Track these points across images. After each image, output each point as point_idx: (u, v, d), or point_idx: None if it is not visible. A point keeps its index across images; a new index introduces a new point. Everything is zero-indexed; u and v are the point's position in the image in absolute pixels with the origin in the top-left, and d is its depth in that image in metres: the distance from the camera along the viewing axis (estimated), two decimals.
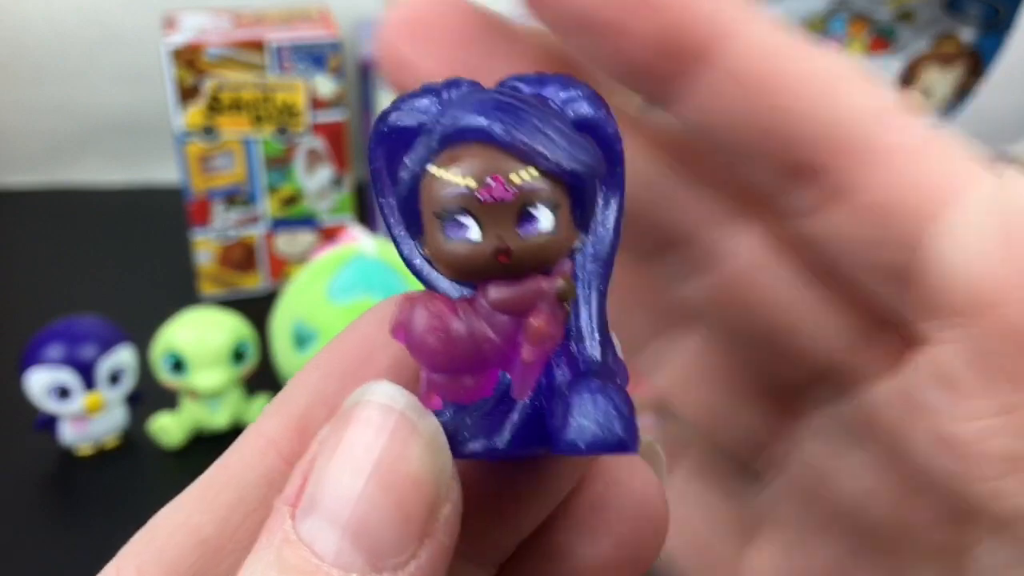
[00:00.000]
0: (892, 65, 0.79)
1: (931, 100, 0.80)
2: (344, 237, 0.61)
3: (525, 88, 0.17)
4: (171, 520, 0.17)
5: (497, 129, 0.16)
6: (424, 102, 0.17)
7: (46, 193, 0.86)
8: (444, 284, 0.17)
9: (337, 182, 0.73)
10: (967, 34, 0.78)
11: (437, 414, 0.16)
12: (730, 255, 0.20)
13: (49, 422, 0.56)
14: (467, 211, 0.16)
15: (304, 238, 0.73)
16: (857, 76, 0.17)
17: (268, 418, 0.18)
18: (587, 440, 0.15)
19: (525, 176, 0.16)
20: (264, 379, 0.60)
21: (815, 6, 0.77)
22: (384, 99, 0.72)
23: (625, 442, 0.15)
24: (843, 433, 0.19)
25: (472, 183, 0.16)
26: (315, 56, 0.68)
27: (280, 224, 0.73)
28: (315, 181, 0.72)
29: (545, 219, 0.16)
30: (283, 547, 0.15)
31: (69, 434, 0.56)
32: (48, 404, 0.55)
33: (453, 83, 0.17)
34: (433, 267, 0.17)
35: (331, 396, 0.17)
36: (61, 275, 0.76)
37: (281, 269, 0.73)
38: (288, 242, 0.73)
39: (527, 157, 0.16)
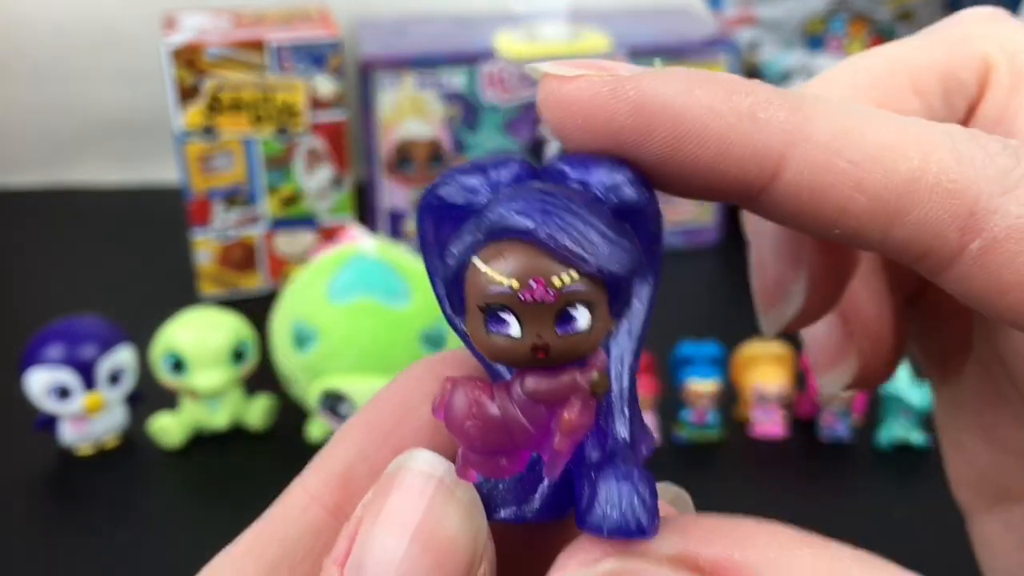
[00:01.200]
0: None
1: None
2: (344, 237, 0.61)
3: (570, 172, 0.17)
4: (223, 574, 0.19)
5: (542, 234, 0.16)
6: (473, 181, 0.17)
7: (46, 193, 0.86)
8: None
9: (337, 182, 0.73)
10: None
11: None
12: None
13: (49, 422, 0.56)
14: (509, 308, 0.16)
15: (304, 238, 0.73)
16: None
17: (311, 473, 0.20)
18: (610, 527, 0.16)
19: (566, 279, 0.16)
20: (264, 379, 0.60)
21: (815, 6, 0.77)
22: (383, 99, 0.72)
23: (645, 530, 0.16)
24: None
25: (515, 284, 0.16)
26: (315, 56, 0.68)
27: (280, 224, 0.73)
28: (315, 181, 0.72)
29: (583, 318, 0.16)
30: None
31: (69, 434, 0.56)
32: (48, 404, 0.55)
33: (502, 163, 0.18)
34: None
35: (372, 453, 0.19)
36: (61, 275, 0.76)
37: (281, 269, 0.73)
38: (288, 242, 0.73)
39: (569, 262, 0.16)
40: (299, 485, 0.20)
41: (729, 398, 0.60)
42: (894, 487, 0.56)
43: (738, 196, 0.17)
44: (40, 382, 0.54)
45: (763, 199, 0.17)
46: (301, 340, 0.55)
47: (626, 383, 0.17)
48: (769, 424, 0.58)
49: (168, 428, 0.57)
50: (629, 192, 0.17)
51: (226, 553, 0.20)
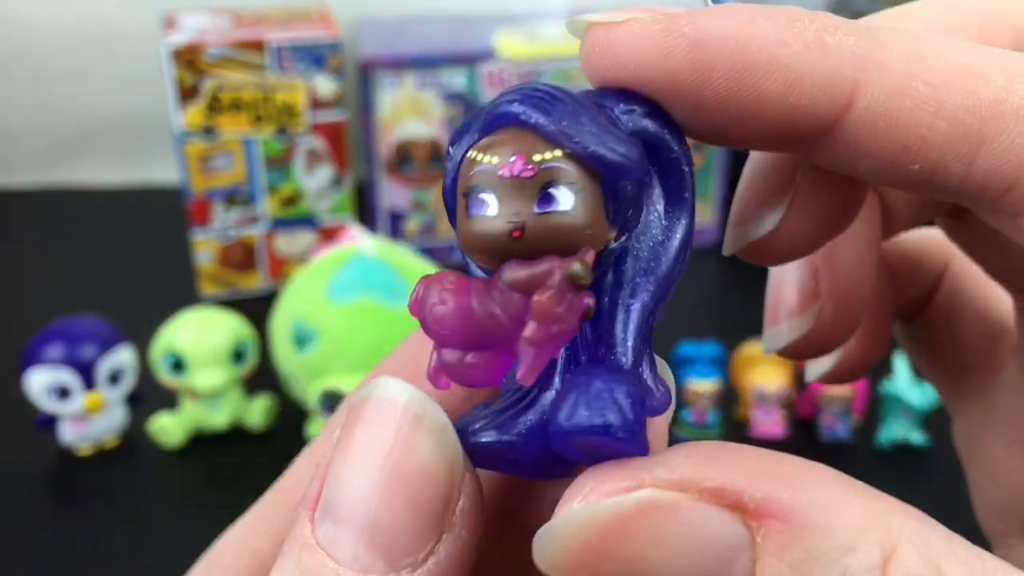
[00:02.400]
0: None
1: None
2: (344, 237, 0.61)
3: (589, 97, 0.17)
4: (233, 545, 0.18)
5: (524, 114, 0.16)
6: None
7: (46, 193, 0.86)
8: (480, 274, 0.17)
9: (337, 182, 0.73)
10: None
11: (469, 415, 0.16)
12: None
13: (49, 422, 0.56)
14: (488, 188, 0.16)
15: (304, 238, 0.73)
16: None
17: (320, 440, 0.18)
18: (572, 425, 0.15)
19: (548, 156, 0.15)
20: (264, 379, 0.60)
21: (814, 7, 0.77)
22: (383, 99, 0.72)
23: (611, 428, 0.15)
24: None
25: (496, 159, 0.15)
26: (315, 56, 0.68)
27: (280, 224, 0.73)
28: (315, 181, 0.72)
29: (565, 200, 0.15)
30: (302, 553, 0.15)
31: (69, 434, 0.56)
32: (48, 404, 0.55)
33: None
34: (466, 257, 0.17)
35: None
36: (61, 275, 0.76)
37: (281, 269, 0.73)
38: (288, 242, 0.73)
39: (554, 138, 0.15)
40: (308, 452, 0.19)
41: (729, 398, 0.60)
42: (894, 487, 0.55)
43: (808, 133, 0.16)
44: (40, 382, 0.54)
45: (836, 136, 0.16)
46: (301, 340, 0.55)
47: (634, 319, 0.16)
48: (769, 424, 0.58)
49: (168, 428, 0.57)
50: (646, 122, 0.16)
51: (238, 524, 0.18)
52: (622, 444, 0.15)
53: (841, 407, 0.57)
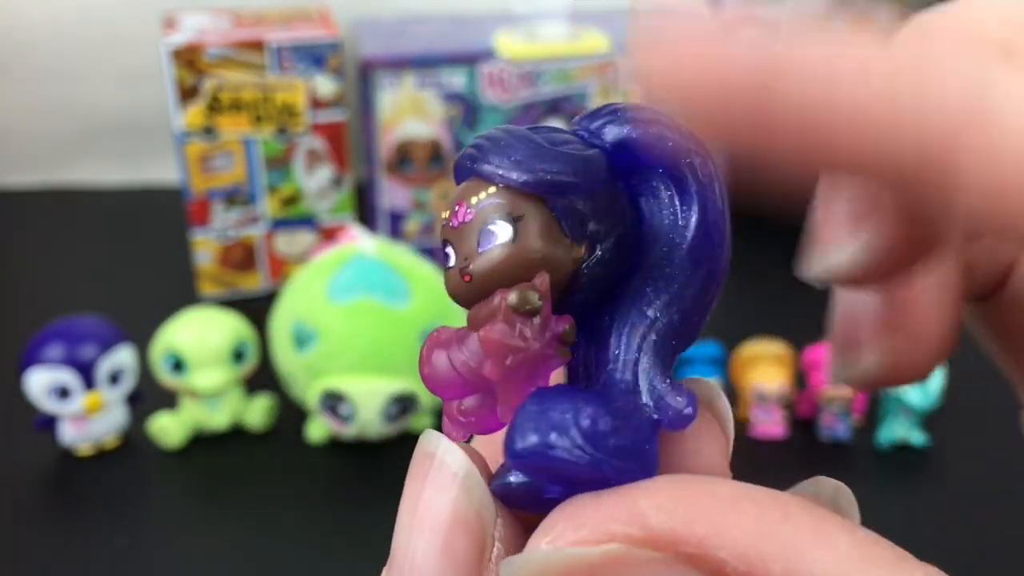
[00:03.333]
0: None
1: None
2: (344, 237, 0.61)
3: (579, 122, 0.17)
4: None
5: (463, 161, 0.16)
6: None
7: (46, 193, 0.86)
8: None
9: (337, 182, 0.73)
10: None
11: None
12: None
13: (48, 422, 0.56)
14: (448, 241, 0.16)
15: (304, 238, 0.73)
16: None
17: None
18: (517, 448, 0.15)
19: (482, 196, 0.16)
20: (264, 379, 0.60)
21: (816, 7, 0.77)
22: (383, 99, 0.72)
23: (553, 449, 0.14)
24: None
25: (446, 213, 0.16)
26: (315, 56, 0.68)
27: (280, 224, 0.73)
28: (315, 181, 0.72)
29: (502, 232, 0.16)
30: None
31: (69, 434, 0.56)
32: (48, 404, 0.55)
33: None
34: None
35: None
36: (61, 275, 0.76)
37: (281, 269, 0.73)
38: (288, 242, 0.73)
39: (487, 177, 0.16)
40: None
41: (729, 398, 0.59)
42: (894, 487, 0.56)
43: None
44: (40, 382, 0.54)
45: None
46: (301, 340, 0.55)
47: (639, 331, 0.16)
48: (769, 424, 0.58)
49: (168, 428, 0.57)
50: (612, 130, 0.16)
51: None
52: (575, 467, 0.14)
53: (841, 407, 0.57)
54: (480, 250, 0.16)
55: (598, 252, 0.16)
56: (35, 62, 0.84)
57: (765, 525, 0.13)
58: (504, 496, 0.16)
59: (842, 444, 0.58)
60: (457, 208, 0.16)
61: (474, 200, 0.16)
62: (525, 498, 0.16)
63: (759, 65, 0.13)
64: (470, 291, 0.16)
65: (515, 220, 0.16)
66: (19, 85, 0.84)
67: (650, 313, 0.16)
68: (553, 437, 0.14)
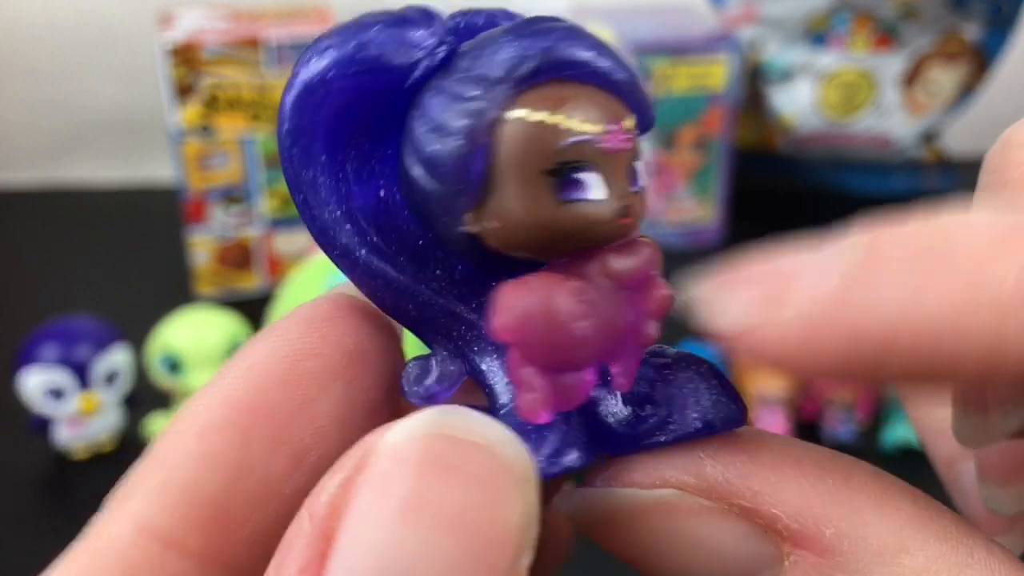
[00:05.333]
0: (896, 63, 0.79)
1: (935, 98, 0.79)
2: None
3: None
4: None
5: (612, 67, 0.13)
6: (420, 34, 0.13)
7: (41, 192, 0.86)
8: (391, 274, 0.14)
9: None
10: (971, 32, 0.77)
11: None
12: None
13: (41, 425, 0.55)
14: (590, 164, 0.12)
15: (302, 238, 0.73)
16: None
17: (141, 496, 0.14)
18: (711, 418, 0.13)
19: (631, 123, 0.13)
20: None
21: (818, 4, 0.77)
22: None
23: (739, 418, 0.14)
24: None
25: (597, 127, 0.12)
26: None
27: (278, 223, 0.72)
28: None
29: (642, 174, 0.13)
30: None
31: (64, 436, 0.55)
32: (43, 405, 0.54)
33: (471, 13, 0.14)
34: (464, 246, 0.13)
35: (249, 472, 0.13)
36: (56, 274, 0.75)
37: (278, 269, 0.73)
38: (286, 241, 0.73)
39: (632, 102, 0.13)
40: (121, 509, 0.13)
41: None
42: None
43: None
44: (35, 382, 0.53)
45: None
46: None
47: None
48: (772, 426, 0.57)
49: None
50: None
51: None
52: (744, 423, 0.14)
53: (845, 409, 0.57)
54: (634, 188, 0.13)
55: None
56: (30, 60, 0.83)
57: (824, 486, 0.13)
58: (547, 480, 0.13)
59: (845, 446, 0.57)
60: (612, 128, 0.13)
61: (627, 124, 0.13)
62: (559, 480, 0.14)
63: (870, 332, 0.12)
64: (618, 234, 0.13)
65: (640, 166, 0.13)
66: (14, 82, 0.84)
67: None
68: (731, 407, 0.14)
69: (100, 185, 0.87)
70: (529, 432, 0.13)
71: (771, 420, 0.57)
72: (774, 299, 0.12)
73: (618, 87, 0.13)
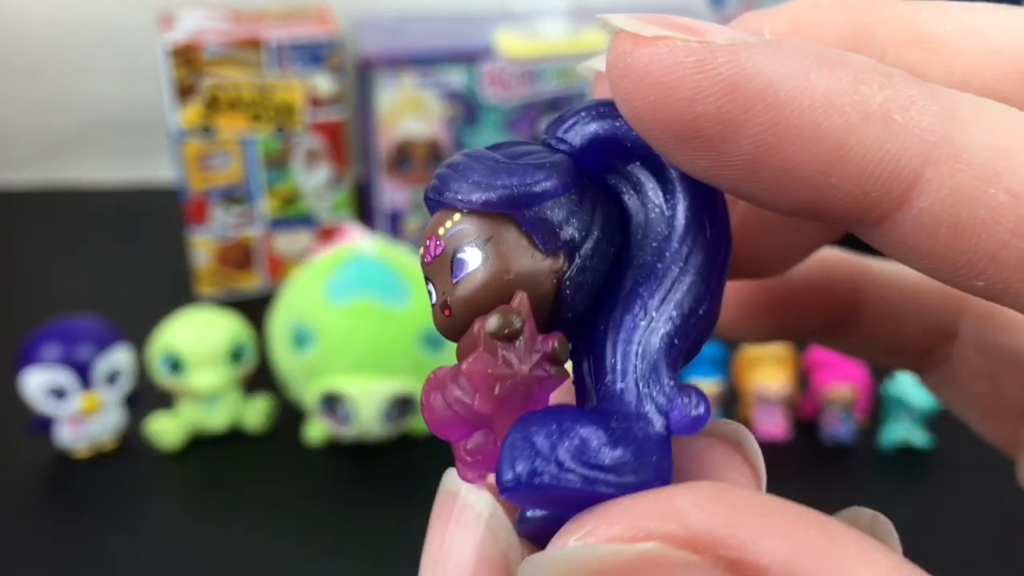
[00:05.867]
0: None
1: None
2: (342, 237, 0.60)
3: (556, 130, 0.16)
4: None
5: (430, 193, 0.15)
6: None
7: (42, 192, 0.86)
8: None
9: (336, 181, 0.72)
10: None
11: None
12: None
13: (44, 425, 0.55)
14: (428, 277, 0.15)
15: (302, 238, 0.73)
16: None
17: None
18: (503, 482, 0.14)
19: (448, 224, 0.15)
20: (262, 380, 0.59)
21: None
22: (382, 98, 0.71)
23: (502, 482, 0.14)
24: None
25: (421, 249, 0.16)
26: (313, 54, 0.68)
27: (278, 224, 0.72)
28: (313, 180, 0.72)
29: (472, 259, 0.15)
30: None
31: (66, 436, 0.55)
32: (44, 405, 0.54)
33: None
34: None
35: None
36: (57, 274, 0.76)
37: (279, 269, 0.73)
38: (286, 242, 0.73)
39: (449, 205, 0.15)
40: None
41: (731, 399, 0.59)
42: (896, 488, 0.56)
43: (848, 221, 0.14)
44: (37, 382, 0.53)
45: (884, 229, 0.13)
46: (300, 340, 0.55)
47: (636, 336, 0.15)
48: (771, 425, 0.57)
49: (166, 429, 0.57)
50: (593, 126, 0.16)
51: None
52: (569, 491, 0.13)
53: (843, 408, 0.57)
54: (454, 280, 0.15)
55: (578, 260, 0.15)
56: (32, 60, 0.83)
57: (809, 537, 0.12)
58: (529, 533, 0.15)
59: (844, 445, 0.58)
60: (428, 243, 0.15)
61: (441, 231, 0.15)
62: (551, 531, 0.14)
63: (731, 77, 0.13)
64: (454, 325, 0.15)
65: (484, 243, 0.15)
66: (16, 83, 0.84)
67: (644, 315, 0.15)
68: (539, 464, 0.13)
69: (101, 185, 0.87)
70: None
71: (770, 420, 0.57)
72: (690, 29, 0.14)
73: (441, 202, 0.15)
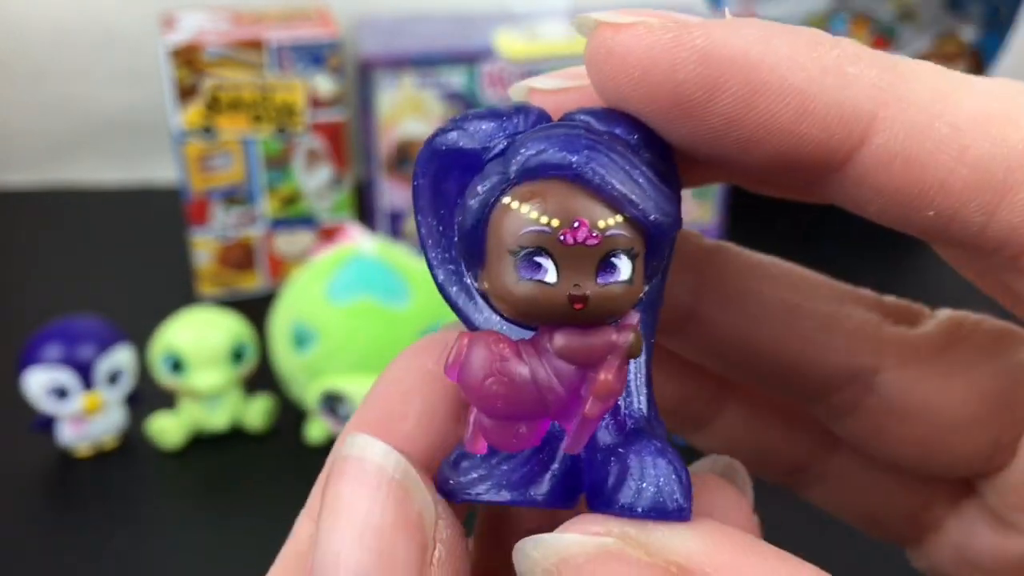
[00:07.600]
0: None
1: None
2: (343, 237, 0.60)
3: (596, 125, 0.16)
4: None
5: (587, 171, 0.15)
6: (489, 126, 0.16)
7: (44, 192, 0.86)
8: (479, 318, 0.16)
9: (336, 182, 0.72)
10: (968, 33, 0.78)
11: (465, 460, 0.16)
12: None
13: (46, 424, 0.55)
14: (545, 251, 0.15)
15: (303, 238, 0.73)
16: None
17: (313, 501, 0.18)
18: (645, 505, 0.14)
19: (611, 222, 0.15)
20: (263, 379, 0.59)
21: (816, 5, 0.77)
22: (383, 98, 0.71)
23: (684, 511, 0.14)
24: None
25: (556, 222, 0.14)
26: (314, 55, 0.68)
27: (279, 224, 0.72)
28: (314, 181, 0.72)
29: (625, 269, 0.15)
30: None
31: (68, 435, 0.56)
32: (46, 405, 0.54)
33: (520, 110, 0.16)
34: (481, 302, 0.16)
35: None
36: (59, 275, 0.76)
37: (280, 269, 0.73)
38: (287, 242, 0.73)
39: (616, 203, 0.15)
40: (305, 515, 0.18)
41: None
42: None
43: (818, 166, 0.15)
44: (38, 382, 0.54)
45: (847, 171, 0.15)
46: (300, 340, 0.55)
47: (643, 360, 0.16)
48: None
49: (167, 429, 0.57)
50: (657, 153, 0.16)
51: None
52: (685, 519, 0.15)
53: None
54: (600, 281, 0.15)
55: (646, 289, 0.16)
56: (33, 61, 0.83)
57: (762, 560, 0.14)
58: (471, 501, 0.16)
59: None
60: (578, 225, 0.14)
61: (602, 224, 0.15)
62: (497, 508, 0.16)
63: (703, 48, 0.15)
64: (569, 317, 0.15)
65: (634, 257, 0.15)
66: (17, 84, 0.84)
67: (649, 341, 0.16)
68: (675, 495, 0.15)
69: (103, 186, 0.87)
70: (499, 470, 0.16)
71: None
72: (663, 16, 0.15)
73: (603, 190, 0.15)
